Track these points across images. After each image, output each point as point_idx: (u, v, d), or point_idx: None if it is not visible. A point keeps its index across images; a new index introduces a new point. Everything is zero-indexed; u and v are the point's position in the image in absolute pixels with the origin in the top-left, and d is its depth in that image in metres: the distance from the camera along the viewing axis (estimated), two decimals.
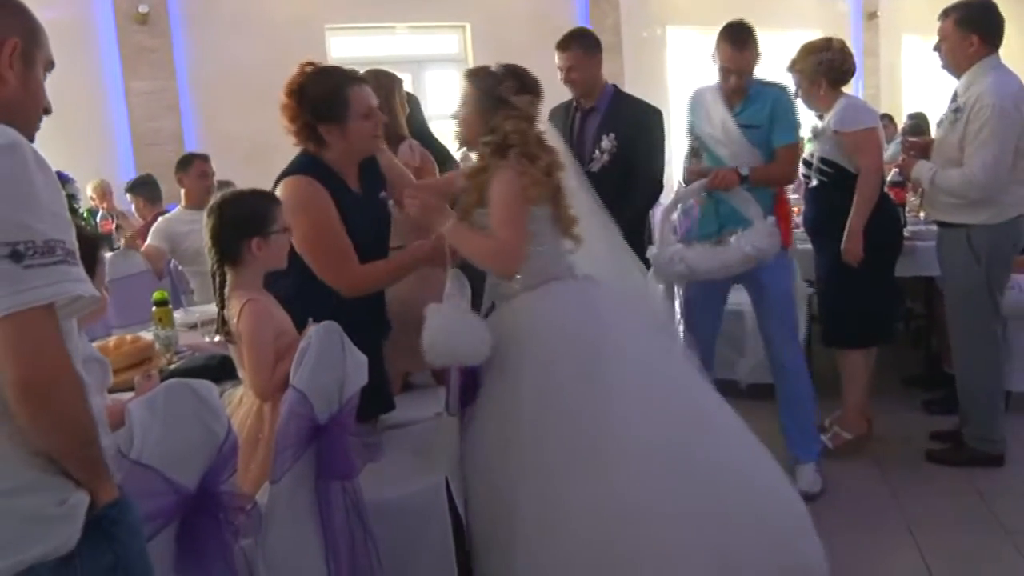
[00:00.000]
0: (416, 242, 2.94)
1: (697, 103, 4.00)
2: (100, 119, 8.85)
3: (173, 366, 3.02)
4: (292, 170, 2.82)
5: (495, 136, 2.76)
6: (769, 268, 3.78)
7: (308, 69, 2.80)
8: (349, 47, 10.13)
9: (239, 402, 2.50)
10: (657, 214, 4.52)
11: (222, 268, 2.52)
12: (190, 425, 1.87)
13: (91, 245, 2.07)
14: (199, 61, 9.09)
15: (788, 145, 3.86)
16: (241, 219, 2.48)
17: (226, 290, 2.52)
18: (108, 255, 4.78)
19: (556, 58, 4.13)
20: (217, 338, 2.90)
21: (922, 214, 4.97)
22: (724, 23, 3.84)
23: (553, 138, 2.96)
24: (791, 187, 4.84)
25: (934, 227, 4.32)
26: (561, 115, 4.24)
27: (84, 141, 8.62)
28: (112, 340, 3.03)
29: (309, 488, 2.30)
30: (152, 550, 1.71)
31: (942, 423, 4.40)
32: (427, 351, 2.61)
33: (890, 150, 8.46)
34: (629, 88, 4.64)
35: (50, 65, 1.71)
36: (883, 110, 12.15)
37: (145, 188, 6.22)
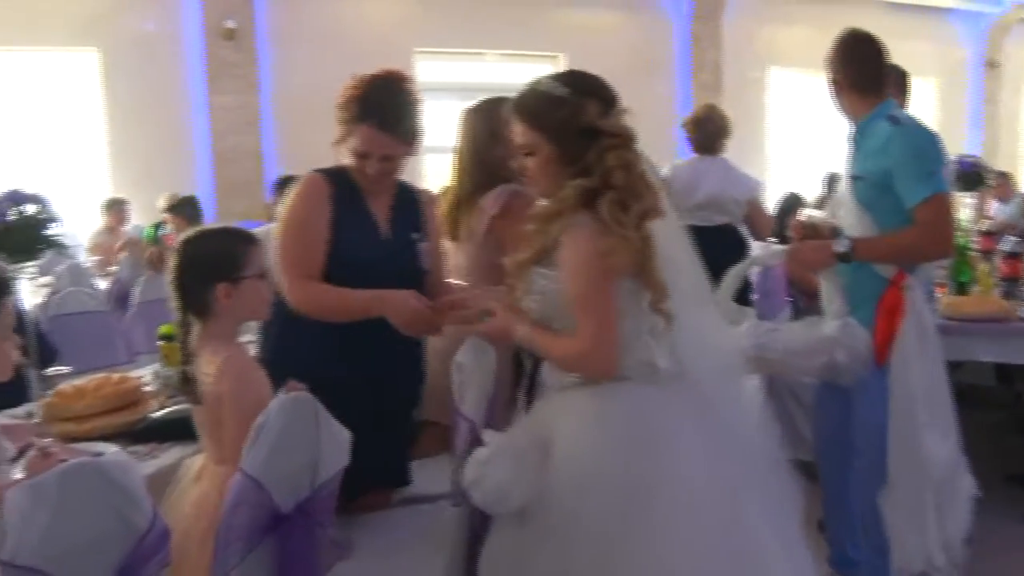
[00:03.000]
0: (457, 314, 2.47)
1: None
2: (181, 132, 8.83)
3: (161, 412, 2.69)
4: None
5: (592, 178, 2.03)
6: (858, 390, 2.77)
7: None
8: (436, 71, 9.94)
9: (196, 476, 2.12)
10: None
11: (185, 317, 2.17)
12: (94, 515, 1.51)
13: None
14: (282, 78, 9.01)
15: (926, 201, 2.59)
16: (205, 261, 2.13)
17: (190, 342, 2.16)
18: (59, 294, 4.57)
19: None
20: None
21: None
22: None
23: (651, 170, 2.16)
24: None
25: None
26: None
27: (164, 153, 8.62)
28: (94, 380, 2.72)
29: None
30: None
31: None
32: (471, 486, 2.03)
33: (1008, 210, 7.79)
34: None
35: None
36: (1001, 163, 11.47)
37: (186, 209, 6.00)
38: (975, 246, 5.38)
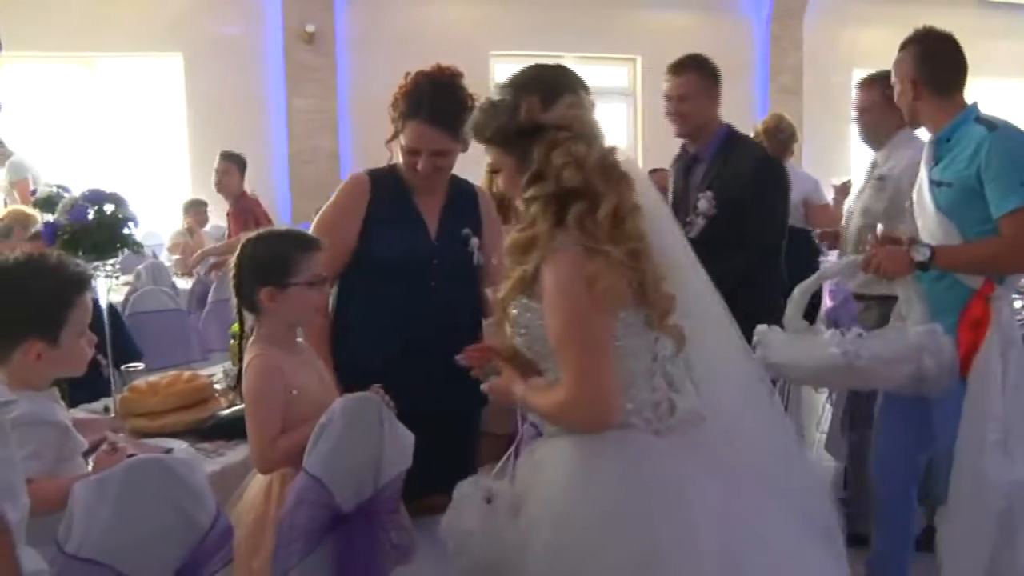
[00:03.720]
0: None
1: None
2: (260, 134, 8.96)
3: (230, 411, 2.72)
4: None
5: (542, 184, 1.75)
6: (939, 403, 2.60)
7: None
8: None
9: (255, 475, 2.14)
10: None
11: (241, 316, 2.19)
12: (157, 511, 1.54)
13: (68, 289, 1.78)
14: (360, 82, 9.08)
15: (1014, 212, 2.44)
16: (259, 263, 2.14)
17: (247, 341, 2.18)
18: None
19: (665, 85, 3.38)
20: None
21: None
22: None
23: (624, 162, 1.83)
24: None
25: None
26: (675, 167, 3.53)
27: (243, 154, 8.75)
28: (167, 377, 2.76)
29: None
30: None
31: None
32: (455, 553, 1.80)
33: None
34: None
35: None
36: None
37: (241, 165, 6.07)
38: None
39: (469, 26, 9.60)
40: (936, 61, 2.67)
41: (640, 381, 1.77)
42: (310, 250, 2.18)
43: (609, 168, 1.75)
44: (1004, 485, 2.43)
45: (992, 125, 2.56)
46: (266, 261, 2.15)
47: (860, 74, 13.31)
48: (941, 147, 2.65)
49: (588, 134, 1.77)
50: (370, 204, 2.61)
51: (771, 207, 3.24)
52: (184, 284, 6.06)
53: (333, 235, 2.47)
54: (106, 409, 2.79)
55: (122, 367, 2.94)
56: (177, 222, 7.85)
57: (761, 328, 2.63)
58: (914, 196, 2.75)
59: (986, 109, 2.72)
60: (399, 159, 2.62)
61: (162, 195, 8.50)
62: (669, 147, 3.41)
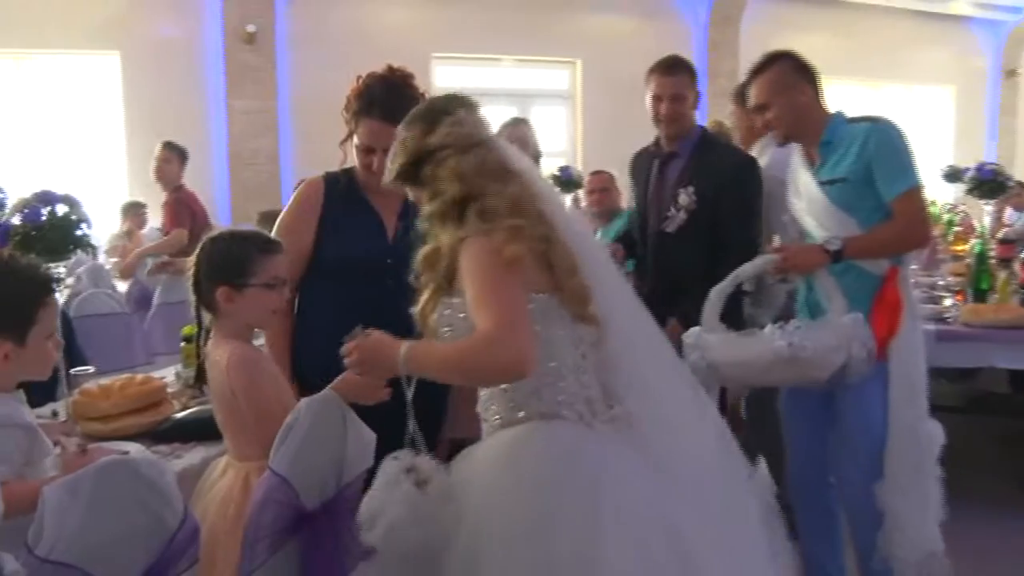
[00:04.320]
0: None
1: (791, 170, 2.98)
2: (199, 134, 8.83)
3: (184, 413, 2.72)
4: None
5: (434, 201, 1.88)
6: (853, 389, 2.69)
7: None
8: (454, 76, 9.97)
9: (222, 473, 2.15)
10: None
11: (199, 313, 2.20)
12: (127, 512, 1.56)
13: (38, 290, 1.79)
14: (301, 83, 9.05)
15: (904, 194, 2.64)
16: (216, 262, 2.16)
17: (206, 339, 2.19)
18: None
19: (654, 85, 3.34)
20: None
21: None
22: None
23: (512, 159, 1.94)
24: None
25: None
26: (643, 164, 3.51)
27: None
28: (120, 380, 2.75)
29: None
30: None
31: None
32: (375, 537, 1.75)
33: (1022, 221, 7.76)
34: None
35: None
36: (1019, 173, 11.39)
37: (182, 155, 6.02)
38: (993, 254, 5.39)
39: (409, 28, 9.62)
40: (808, 76, 2.82)
41: (570, 376, 1.83)
42: (269, 252, 2.19)
43: (491, 168, 1.87)
44: (939, 436, 2.68)
45: (870, 119, 2.75)
46: (224, 261, 2.16)
47: None
48: (822, 149, 2.78)
49: (468, 145, 1.88)
50: (324, 206, 2.64)
51: (750, 204, 3.30)
52: (122, 286, 5.98)
53: (290, 239, 2.48)
54: (54, 414, 2.76)
55: (70, 371, 2.91)
56: (114, 224, 7.73)
57: (693, 330, 2.71)
58: (794, 201, 2.88)
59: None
60: (354, 161, 2.64)
61: (98, 196, 8.35)
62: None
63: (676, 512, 1.78)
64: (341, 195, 2.65)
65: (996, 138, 13.83)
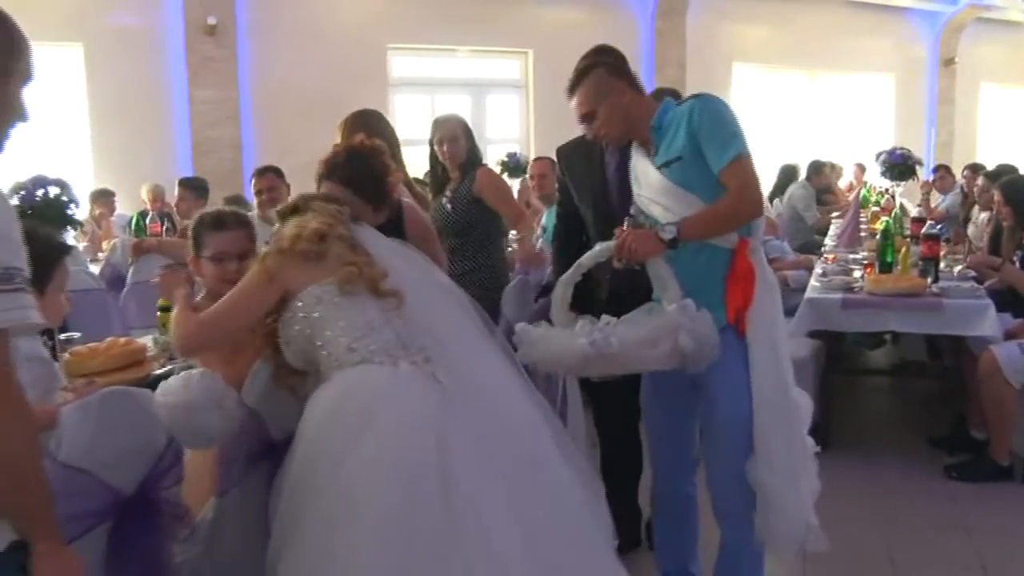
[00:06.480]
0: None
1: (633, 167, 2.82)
2: (162, 124, 9.09)
3: (161, 371, 3.06)
4: None
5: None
6: (716, 366, 2.56)
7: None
8: (410, 67, 10.26)
9: None
10: None
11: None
12: (126, 431, 1.89)
13: (55, 252, 2.13)
14: (262, 73, 9.30)
15: (731, 164, 2.51)
16: (192, 235, 2.56)
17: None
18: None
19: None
20: None
21: (956, 269, 4.84)
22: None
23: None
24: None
25: (964, 284, 4.23)
26: (586, 151, 3.22)
27: (145, 144, 8.90)
28: (104, 342, 3.09)
29: (261, 502, 2.29)
30: (80, 549, 1.72)
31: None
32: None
33: (946, 201, 8.26)
34: None
35: (27, 79, 1.68)
36: (956, 158, 11.90)
37: (198, 190, 6.37)
38: (908, 231, 5.88)
39: (366, 20, 9.89)
40: (627, 70, 2.76)
41: (376, 326, 2.16)
42: (216, 229, 2.57)
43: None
44: (808, 408, 2.69)
45: (694, 96, 2.68)
46: (192, 234, 2.53)
47: (740, 67, 14.04)
48: (655, 135, 2.68)
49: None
50: None
51: None
52: (95, 268, 6.25)
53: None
54: None
55: (59, 336, 3.24)
56: (82, 211, 7.96)
57: (520, 326, 2.64)
58: (638, 192, 2.74)
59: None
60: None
61: None
62: (559, 135, 3.38)
63: (456, 454, 2.02)
64: None
65: (935, 124, 14.39)
